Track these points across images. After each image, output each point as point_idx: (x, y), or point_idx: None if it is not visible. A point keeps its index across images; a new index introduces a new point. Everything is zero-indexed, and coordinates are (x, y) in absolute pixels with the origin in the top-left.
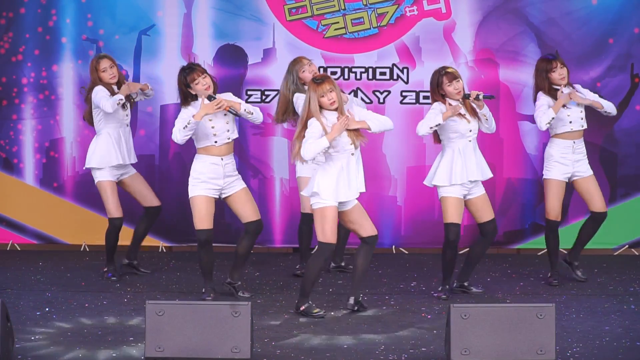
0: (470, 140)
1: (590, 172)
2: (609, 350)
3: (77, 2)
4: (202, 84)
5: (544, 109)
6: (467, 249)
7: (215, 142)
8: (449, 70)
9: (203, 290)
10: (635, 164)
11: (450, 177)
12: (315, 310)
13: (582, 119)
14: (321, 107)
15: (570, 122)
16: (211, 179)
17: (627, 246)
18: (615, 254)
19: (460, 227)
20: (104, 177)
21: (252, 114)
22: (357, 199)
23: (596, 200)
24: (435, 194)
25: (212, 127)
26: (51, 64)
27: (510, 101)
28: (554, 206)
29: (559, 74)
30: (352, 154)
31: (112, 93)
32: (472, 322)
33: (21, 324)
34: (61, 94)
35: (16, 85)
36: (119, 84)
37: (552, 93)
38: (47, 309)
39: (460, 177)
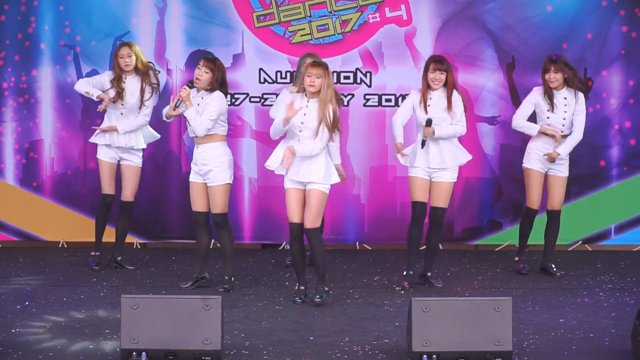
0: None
1: (566, 174)
2: (564, 342)
3: (55, 9)
4: (198, 72)
5: (526, 108)
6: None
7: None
8: (437, 59)
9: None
10: (588, 163)
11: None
12: None
13: (562, 125)
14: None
15: (549, 125)
16: (194, 164)
17: (580, 242)
18: (569, 249)
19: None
20: (99, 155)
21: (190, 125)
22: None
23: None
24: (398, 192)
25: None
26: (30, 69)
27: (468, 104)
28: (534, 195)
29: (550, 77)
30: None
31: (118, 82)
32: (433, 315)
33: (2, 318)
34: (40, 98)
35: None
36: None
37: (548, 90)
38: (27, 303)
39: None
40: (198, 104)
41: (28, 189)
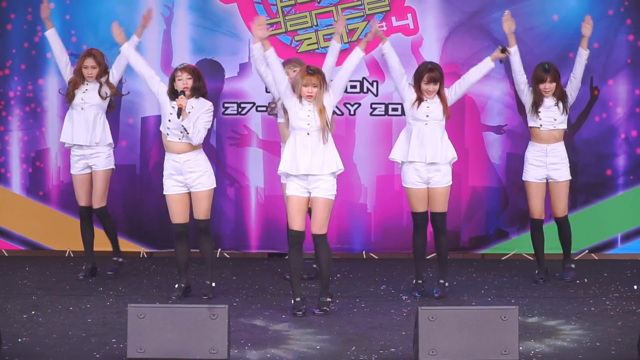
0: (426, 124)
1: (566, 178)
2: (570, 351)
3: (61, 18)
4: (182, 82)
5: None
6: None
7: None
8: (430, 67)
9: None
10: (594, 172)
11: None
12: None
13: (554, 119)
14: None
15: (540, 119)
16: (172, 177)
17: (587, 251)
18: (576, 258)
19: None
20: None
21: (188, 133)
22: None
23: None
24: (405, 201)
25: (169, 121)
26: (37, 78)
27: (475, 113)
28: (534, 205)
29: (545, 87)
30: (308, 134)
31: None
32: (439, 324)
33: (8, 327)
34: (46, 107)
35: (3, 98)
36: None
37: (538, 98)
38: (33, 312)
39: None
40: (189, 112)
41: (34, 198)
